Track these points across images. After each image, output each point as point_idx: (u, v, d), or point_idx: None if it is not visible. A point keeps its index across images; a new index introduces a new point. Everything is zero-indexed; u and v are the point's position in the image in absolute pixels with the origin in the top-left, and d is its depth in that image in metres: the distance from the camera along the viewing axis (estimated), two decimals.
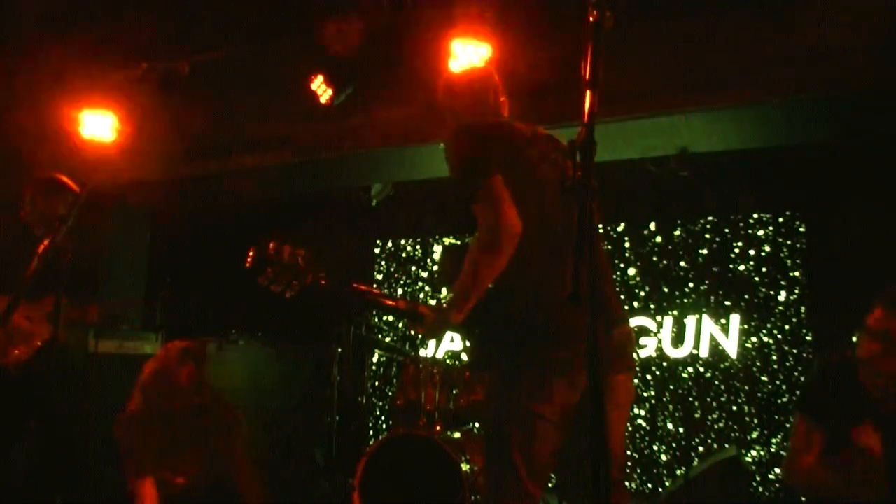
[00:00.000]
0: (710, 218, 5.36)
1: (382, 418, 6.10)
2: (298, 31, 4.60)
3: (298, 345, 5.70)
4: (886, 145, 4.47)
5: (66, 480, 3.51)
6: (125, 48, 4.72)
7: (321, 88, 4.52)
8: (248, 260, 2.06)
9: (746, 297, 5.17)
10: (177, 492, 3.05)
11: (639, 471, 5.16)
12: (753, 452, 4.91)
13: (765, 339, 5.09)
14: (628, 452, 5.11)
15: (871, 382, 2.46)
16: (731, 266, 5.25)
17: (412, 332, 5.99)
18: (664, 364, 5.31)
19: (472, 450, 3.55)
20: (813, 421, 2.59)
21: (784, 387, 4.95)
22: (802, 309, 5.03)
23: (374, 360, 6.24)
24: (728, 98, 4.07)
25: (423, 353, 5.59)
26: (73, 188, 3.64)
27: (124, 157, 4.89)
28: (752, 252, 5.21)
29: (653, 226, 5.53)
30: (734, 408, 5.04)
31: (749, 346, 5.11)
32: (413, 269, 6.35)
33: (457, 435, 3.71)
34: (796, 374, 4.94)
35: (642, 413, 5.26)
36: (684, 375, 5.24)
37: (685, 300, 5.32)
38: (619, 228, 5.63)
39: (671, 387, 5.24)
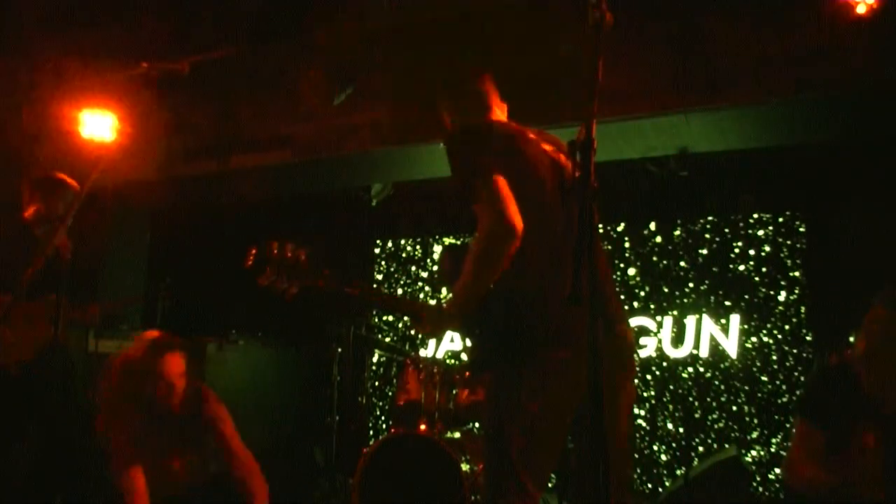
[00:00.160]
0: (710, 218, 5.36)
1: (382, 418, 6.10)
2: (298, 31, 4.60)
3: (298, 345, 5.71)
4: (886, 145, 4.48)
5: (66, 480, 3.51)
6: (125, 48, 4.73)
7: (321, 88, 4.52)
8: (250, 259, 2.06)
9: (746, 297, 5.17)
10: (175, 491, 3.04)
11: (639, 471, 5.16)
12: (753, 452, 4.91)
13: (765, 339, 5.09)
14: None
15: (868, 382, 2.46)
16: (731, 266, 5.25)
17: (414, 332, 6.00)
18: (664, 364, 5.31)
19: (472, 450, 3.55)
20: (813, 423, 2.59)
21: (784, 387, 4.95)
22: (802, 309, 5.03)
23: (374, 360, 6.24)
24: (728, 98, 4.07)
25: (423, 353, 5.59)
26: (73, 188, 3.64)
27: (124, 157, 4.89)
28: (752, 252, 5.21)
29: (653, 226, 5.53)
30: (734, 408, 5.04)
31: (749, 346, 5.11)
32: (413, 269, 6.35)
33: (457, 435, 3.71)
34: (796, 374, 4.94)
35: (642, 413, 5.26)
36: (684, 375, 5.24)
37: (685, 300, 5.32)
38: (619, 228, 5.63)
39: (671, 387, 5.24)
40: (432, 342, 5.60)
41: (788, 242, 5.14)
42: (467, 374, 3.71)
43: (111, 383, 3.02)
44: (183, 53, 4.70)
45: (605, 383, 2.08)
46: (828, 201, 5.00)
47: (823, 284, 4.94)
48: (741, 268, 5.22)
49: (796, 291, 5.07)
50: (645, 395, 5.29)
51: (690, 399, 5.16)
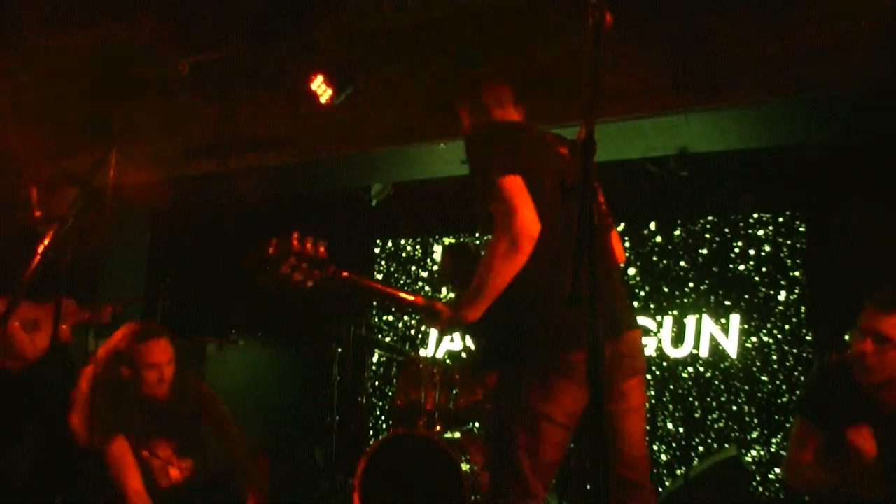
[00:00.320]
0: (710, 218, 5.36)
1: (382, 418, 6.10)
2: (298, 32, 4.60)
3: (298, 345, 5.71)
4: (886, 145, 4.47)
5: (66, 480, 3.50)
6: (125, 48, 4.73)
7: (321, 88, 4.52)
8: (271, 249, 2.05)
9: (746, 296, 5.17)
10: (175, 491, 3.03)
11: None
12: (753, 452, 4.91)
13: (765, 338, 5.09)
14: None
15: (864, 381, 2.46)
16: (731, 266, 5.25)
17: (425, 328, 6.00)
18: (664, 364, 5.31)
19: (472, 450, 3.55)
20: (812, 423, 2.59)
21: (784, 387, 4.95)
22: (802, 309, 5.03)
23: (374, 360, 6.23)
24: (728, 98, 4.07)
25: (423, 353, 5.60)
26: (73, 187, 3.64)
27: (124, 157, 4.88)
28: (752, 252, 5.21)
29: (653, 226, 5.53)
30: (734, 408, 5.04)
31: (749, 345, 5.11)
32: (413, 268, 6.35)
33: (457, 435, 3.71)
34: (796, 374, 4.94)
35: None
36: (684, 375, 5.24)
37: (685, 300, 5.32)
38: (619, 228, 5.63)
39: (671, 387, 5.24)
40: (432, 342, 5.60)
41: (788, 242, 5.14)
42: (467, 374, 3.72)
43: (97, 373, 2.94)
44: (183, 53, 4.71)
45: (613, 385, 2.09)
46: (828, 201, 5.00)
47: (823, 284, 4.94)
48: (741, 268, 5.22)
49: (796, 291, 5.07)
50: None
51: (690, 399, 5.16)
